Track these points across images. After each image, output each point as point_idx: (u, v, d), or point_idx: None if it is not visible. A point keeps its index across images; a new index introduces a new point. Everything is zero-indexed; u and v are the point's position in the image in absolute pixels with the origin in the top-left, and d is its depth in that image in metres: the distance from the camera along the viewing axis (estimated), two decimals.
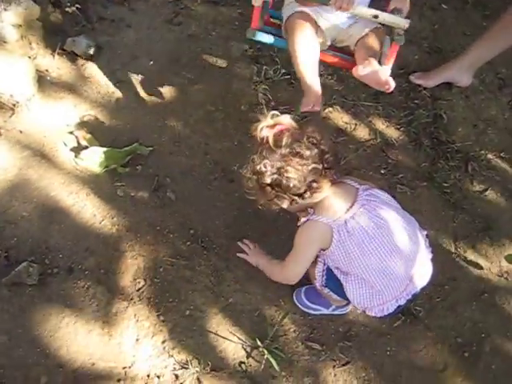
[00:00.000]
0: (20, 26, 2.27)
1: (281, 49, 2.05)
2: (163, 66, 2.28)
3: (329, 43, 1.89)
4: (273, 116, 1.50)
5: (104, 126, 2.09)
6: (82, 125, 2.07)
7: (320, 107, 1.74)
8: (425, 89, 2.41)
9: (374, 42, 1.78)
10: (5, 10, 2.25)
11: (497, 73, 2.62)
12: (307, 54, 1.72)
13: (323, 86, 2.28)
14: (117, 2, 2.51)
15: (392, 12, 1.72)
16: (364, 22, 1.81)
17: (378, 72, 1.68)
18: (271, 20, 1.97)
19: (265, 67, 2.27)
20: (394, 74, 2.38)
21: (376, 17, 1.65)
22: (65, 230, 1.80)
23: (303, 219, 1.52)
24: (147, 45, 2.34)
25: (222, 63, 2.32)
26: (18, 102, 2.10)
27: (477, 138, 2.34)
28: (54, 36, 2.31)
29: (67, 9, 2.36)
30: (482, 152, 2.29)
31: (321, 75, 2.30)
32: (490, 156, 2.29)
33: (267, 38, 1.82)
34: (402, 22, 1.65)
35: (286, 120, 1.51)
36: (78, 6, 2.38)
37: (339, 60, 1.87)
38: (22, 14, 2.27)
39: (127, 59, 2.28)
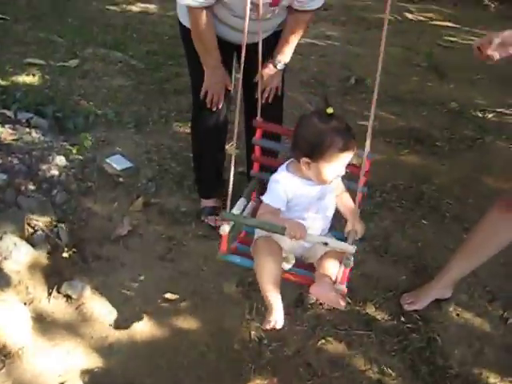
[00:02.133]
0: (19, 272, 2.36)
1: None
2: (155, 306, 2.32)
3: (293, 261, 1.99)
4: None
5: (95, 372, 2.07)
6: (74, 374, 2.05)
7: (281, 324, 1.79)
8: (416, 311, 2.44)
9: (332, 260, 1.88)
10: (5, 258, 2.36)
11: (485, 286, 2.66)
12: (269, 277, 1.82)
13: (315, 317, 2.35)
14: (112, 240, 2.65)
15: (349, 233, 1.86)
16: None
17: (331, 292, 1.78)
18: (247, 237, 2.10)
19: (255, 304, 2.31)
20: (384, 298, 2.48)
21: (326, 244, 1.76)
22: None
23: None
24: (140, 284, 2.42)
25: (213, 300, 2.37)
26: (9, 353, 2.10)
27: (474, 360, 2.30)
28: (50, 278, 2.40)
29: (64, 254, 2.47)
30: (483, 376, 2.24)
31: (310, 305, 2.37)
32: (491, 380, 2.23)
33: (236, 260, 1.95)
34: (349, 248, 1.76)
35: None
36: (74, 250, 2.50)
37: (300, 279, 1.96)
38: (22, 261, 2.37)
39: (120, 300, 2.34)
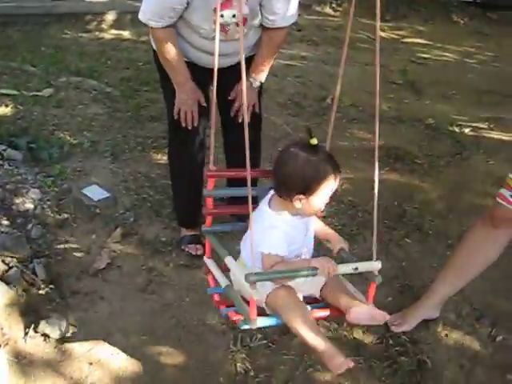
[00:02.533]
0: None
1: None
2: (137, 341, 2.24)
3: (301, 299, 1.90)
4: None
5: None
6: None
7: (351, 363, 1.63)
8: (404, 333, 2.39)
9: (339, 285, 1.84)
10: None
11: (471, 303, 2.63)
12: (309, 325, 1.70)
13: (301, 344, 2.28)
14: (90, 274, 2.57)
15: (339, 253, 1.84)
16: None
17: (372, 311, 1.74)
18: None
19: (240, 334, 2.25)
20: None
21: (356, 269, 1.72)
22: None
23: None
24: (121, 319, 2.34)
25: (197, 332, 2.30)
26: None
27: (466, 381, 2.26)
28: (26, 317, 2.30)
29: (41, 291, 2.39)
30: None
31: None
32: None
33: (265, 323, 1.74)
34: (375, 266, 1.75)
35: None
36: (51, 286, 2.41)
37: (327, 313, 1.85)
38: None
39: (100, 336, 2.25)
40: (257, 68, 2.48)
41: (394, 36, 7.03)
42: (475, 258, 2.31)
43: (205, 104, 2.52)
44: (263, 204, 1.82)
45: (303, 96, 4.84)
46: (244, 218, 1.88)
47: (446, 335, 2.45)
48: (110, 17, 6.52)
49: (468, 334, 2.48)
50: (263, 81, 2.54)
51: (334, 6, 7.92)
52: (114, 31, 6.33)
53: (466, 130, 4.41)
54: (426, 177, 3.67)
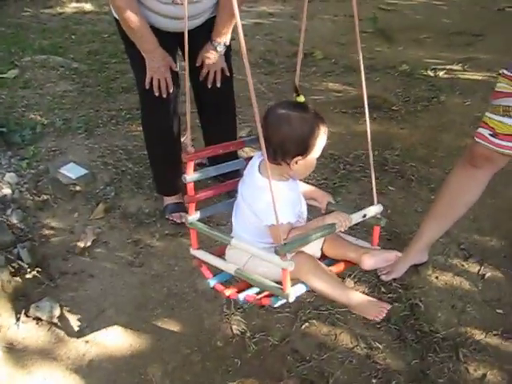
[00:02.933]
0: None
1: None
2: (131, 315, 2.23)
3: None
4: None
5: None
6: None
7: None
8: (395, 280, 2.41)
9: (338, 237, 1.83)
10: None
11: (459, 244, 2.65)
12: (337, 282, 1.73)
13: (295, 301, 2.29)
14: (77, 253, 2.55)
15: (328, 205, 1.86)
16: None
17: (382, 254, 1.77)
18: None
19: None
20: (361, 272, 2.44)
21: (365, 215, 1.75)
22: None
23: None
24: (112, 294, 2.33)
25: (189, 300, 2.30)
26: None
27: (459, 320, 2.29)
28: (16, 302, 2.28)
29: (28, 275, 2.36)
30: (469, 334, 2.23)
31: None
32: (477, 337, 2.23)
33: (300, 289, 1.66)
34: (378, 209, 1.79)
35: None
36: (38, 269, 2.38)
37: (344, 265, 1.84)
38: None
39: (93, 314, 2.24)
40: (218, 30, 2.42)
41: None
42: (457, 200, 2.31)
43: (176, 69, 2.46)
44: (254, 173, 1.71)
45: (274, 53, 4.77)
46: (233, 194, 1.84)
47: (437, 277, 2.47)
48: None
49: (457, 275, 2.50)
50: (228, 43, 2.49)
51: None
52: (74, 4, 6.17)
53: (441, 73, 4.39)
54: (404, 123, 3.66)
